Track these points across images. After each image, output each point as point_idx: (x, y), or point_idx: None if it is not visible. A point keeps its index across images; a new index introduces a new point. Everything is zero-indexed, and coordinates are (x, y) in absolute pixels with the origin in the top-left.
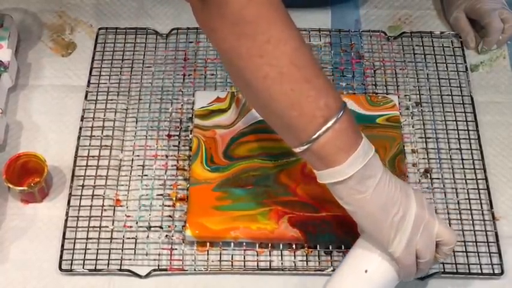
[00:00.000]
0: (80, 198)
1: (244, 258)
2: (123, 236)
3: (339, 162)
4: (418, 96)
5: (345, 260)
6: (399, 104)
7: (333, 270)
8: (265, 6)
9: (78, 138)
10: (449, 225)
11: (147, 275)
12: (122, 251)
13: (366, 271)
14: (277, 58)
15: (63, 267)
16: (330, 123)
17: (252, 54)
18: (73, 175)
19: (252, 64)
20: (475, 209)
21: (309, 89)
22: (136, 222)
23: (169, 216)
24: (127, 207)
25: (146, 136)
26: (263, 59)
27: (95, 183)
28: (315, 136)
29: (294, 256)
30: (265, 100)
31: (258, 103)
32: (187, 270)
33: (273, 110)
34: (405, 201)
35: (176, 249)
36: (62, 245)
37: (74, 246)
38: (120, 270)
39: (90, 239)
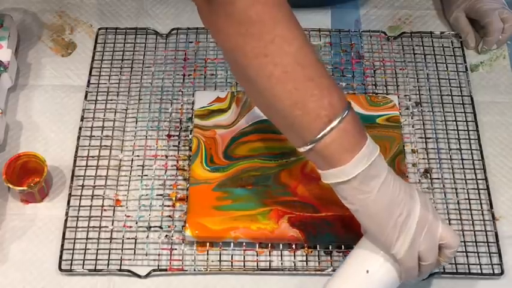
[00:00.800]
0: (80, 198)
1: (244, 258)
2: (123, 236)
3: (343, 162)
4: (418, 96)
5: (346, 260)
6: (399, 104)
7: (333, 270)
8: (270, 5)
9: (78, 138)
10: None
11: (147, 275)
12: (122, 251)
13: (367, 271)
14: (281, 57)
15: (63, 267)
16: (334, 123)
17: (257, 53)
18: (73, 175)
19: (256, 63)
20: (475, 209)
21: (313, 88)
22: (136, 222)
23: (169, 216)
24: (127, 207)
25: (146, 136)
26: (268, 58)
27: (94, 183)
28: (319, 136)
29: (294, 256)
30: (269, 99)
31: (262, 102)
32: (187, 271)
33: (277, 109)
34: (409, 202)
35: (176, 249)
36: (62, 245)
37: (74, 246)
38: (120, 270)
39: (90, 239)
